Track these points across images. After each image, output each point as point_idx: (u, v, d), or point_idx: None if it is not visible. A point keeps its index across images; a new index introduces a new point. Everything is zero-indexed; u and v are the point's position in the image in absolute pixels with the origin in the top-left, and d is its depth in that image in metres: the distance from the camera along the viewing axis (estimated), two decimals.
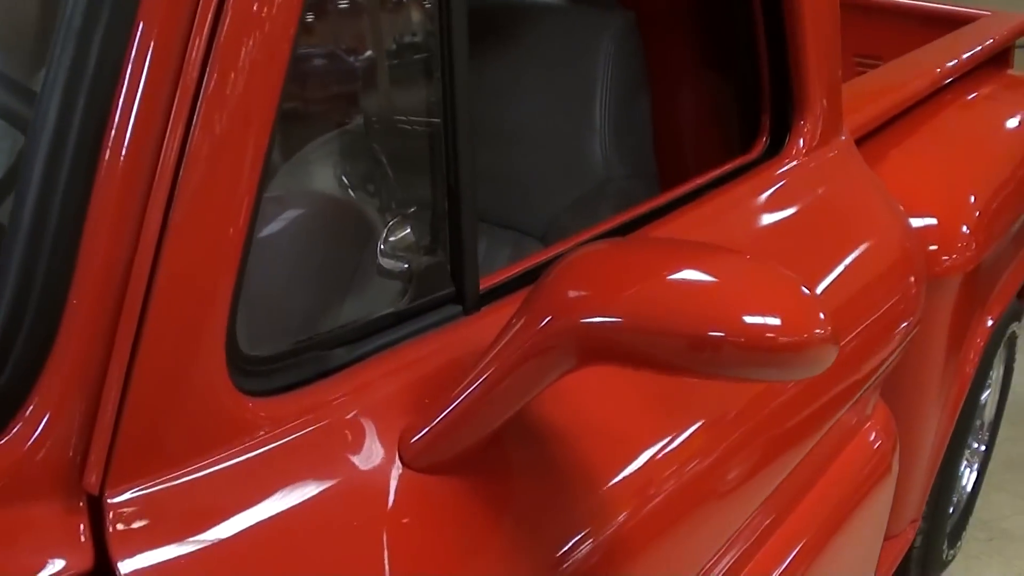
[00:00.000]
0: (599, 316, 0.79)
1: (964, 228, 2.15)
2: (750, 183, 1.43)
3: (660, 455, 1.08)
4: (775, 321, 0.77)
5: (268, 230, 1.05)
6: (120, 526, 0.75)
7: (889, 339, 1.52)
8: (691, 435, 1.13)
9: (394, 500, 0.87)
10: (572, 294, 0.82)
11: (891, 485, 1.70)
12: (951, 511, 2.72)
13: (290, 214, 1.14)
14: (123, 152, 0.74)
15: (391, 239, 1.02)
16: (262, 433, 0.83)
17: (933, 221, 2.12)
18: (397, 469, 0.88)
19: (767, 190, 1.45)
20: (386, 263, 1.01)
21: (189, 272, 0.77)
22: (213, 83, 0.76)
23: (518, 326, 0.84)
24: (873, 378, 1.52)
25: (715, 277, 0.80)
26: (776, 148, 1.51)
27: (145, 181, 0.75)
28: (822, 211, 1.51)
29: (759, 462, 1.23)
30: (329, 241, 1.16)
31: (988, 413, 2.79)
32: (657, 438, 1.09)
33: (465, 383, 0.87)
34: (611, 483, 1.03)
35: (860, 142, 2.23)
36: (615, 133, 1.69)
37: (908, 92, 2.35)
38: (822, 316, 0.78)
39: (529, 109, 1.76)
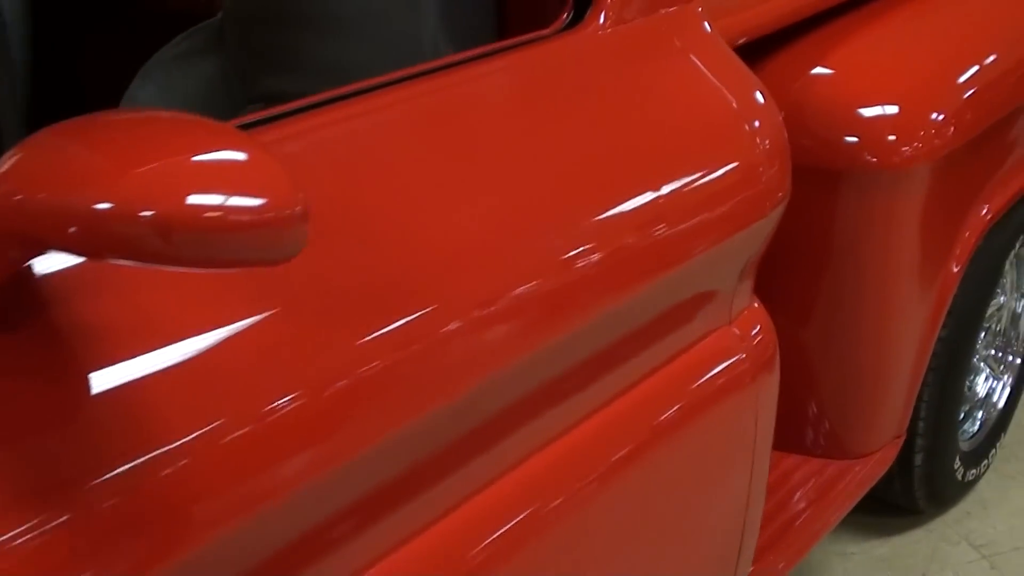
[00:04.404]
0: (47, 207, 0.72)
1: (934, 115, 1.96)
2: (519, 57, 1.30)
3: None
4: (219, 200, 0.70)
5: None
6: None
7: (716, 224, 1.37)
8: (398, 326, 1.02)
9: None
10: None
11: (766, 395, 1.56)
12: (977, 428, 2.53)
13: None
14: None
15: None
16: None
17: (894, 109, 1.94)
18: None
19: (543, 66, 1.31)
20: None
21: None
22: None
23: None
24: (693, 266, 1.36)
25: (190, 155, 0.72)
26: (576, 22, 1.36)
27: None
28: (612, 89, 1.35)
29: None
30: None
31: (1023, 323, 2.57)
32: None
33: None
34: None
35: (819, 25, 2.06)
36: (442, 11, 1.55)
37: None
38: (294, 200, 0.72)
39: None
